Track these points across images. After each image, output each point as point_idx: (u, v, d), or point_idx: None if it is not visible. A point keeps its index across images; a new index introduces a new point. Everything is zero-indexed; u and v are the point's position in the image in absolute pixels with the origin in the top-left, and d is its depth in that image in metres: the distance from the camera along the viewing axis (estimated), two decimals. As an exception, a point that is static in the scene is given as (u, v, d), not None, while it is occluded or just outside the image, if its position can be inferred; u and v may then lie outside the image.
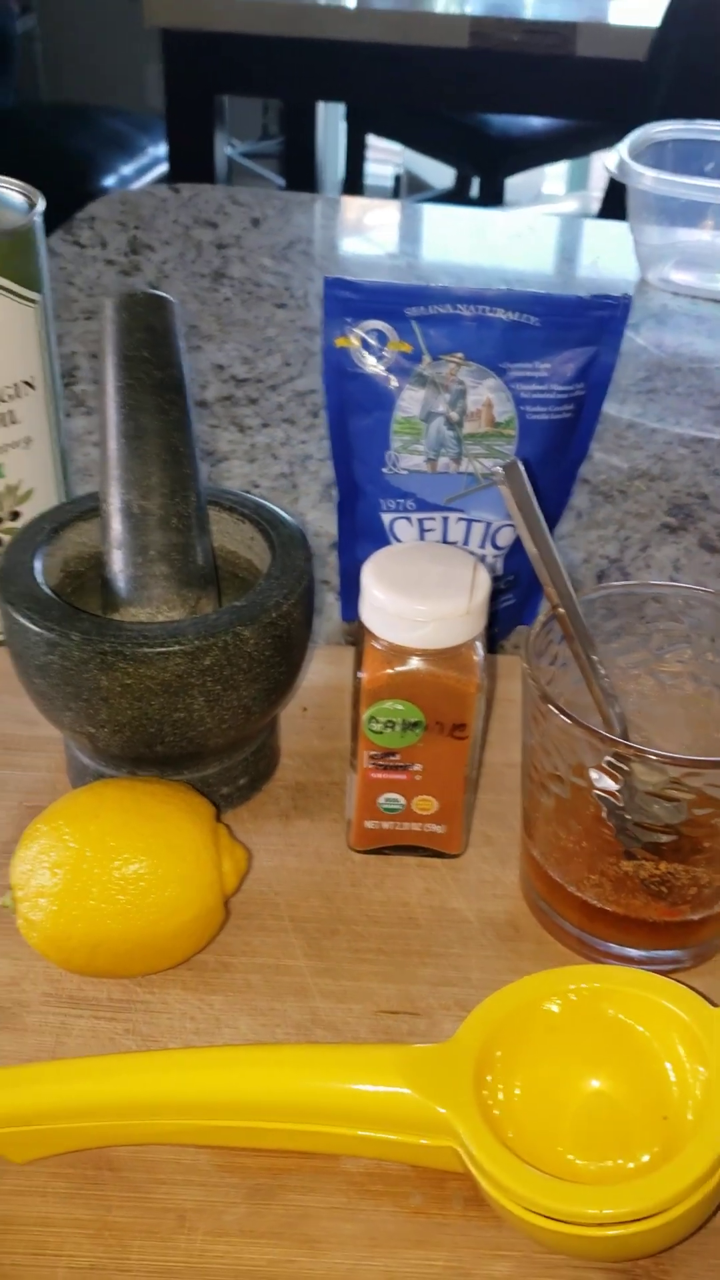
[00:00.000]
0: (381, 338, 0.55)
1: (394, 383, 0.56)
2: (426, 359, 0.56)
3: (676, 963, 0.46)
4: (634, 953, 0.46)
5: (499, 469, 0.44)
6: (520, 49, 1.99)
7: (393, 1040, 0.43)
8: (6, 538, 0.57)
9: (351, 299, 0.55)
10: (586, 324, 0.55)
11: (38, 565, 0.48)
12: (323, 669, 0.60)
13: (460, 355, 0.55)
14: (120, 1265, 0.37)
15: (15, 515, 0.57)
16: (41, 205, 0.55)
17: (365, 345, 0.56)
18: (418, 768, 0.47)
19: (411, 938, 0.47)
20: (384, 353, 0.56)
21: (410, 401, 0.56)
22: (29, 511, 0.57)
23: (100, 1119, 0.38)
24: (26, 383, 0.55)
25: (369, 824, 0.49)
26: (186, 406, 0.50)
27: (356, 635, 0.47)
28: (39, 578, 0.47)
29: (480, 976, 0.46)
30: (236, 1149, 0.39)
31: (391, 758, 0.47)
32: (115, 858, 0.42)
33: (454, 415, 0.56)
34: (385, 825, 0.49)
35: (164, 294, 0.50)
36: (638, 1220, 0.33)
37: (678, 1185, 0.33)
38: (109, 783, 0.45)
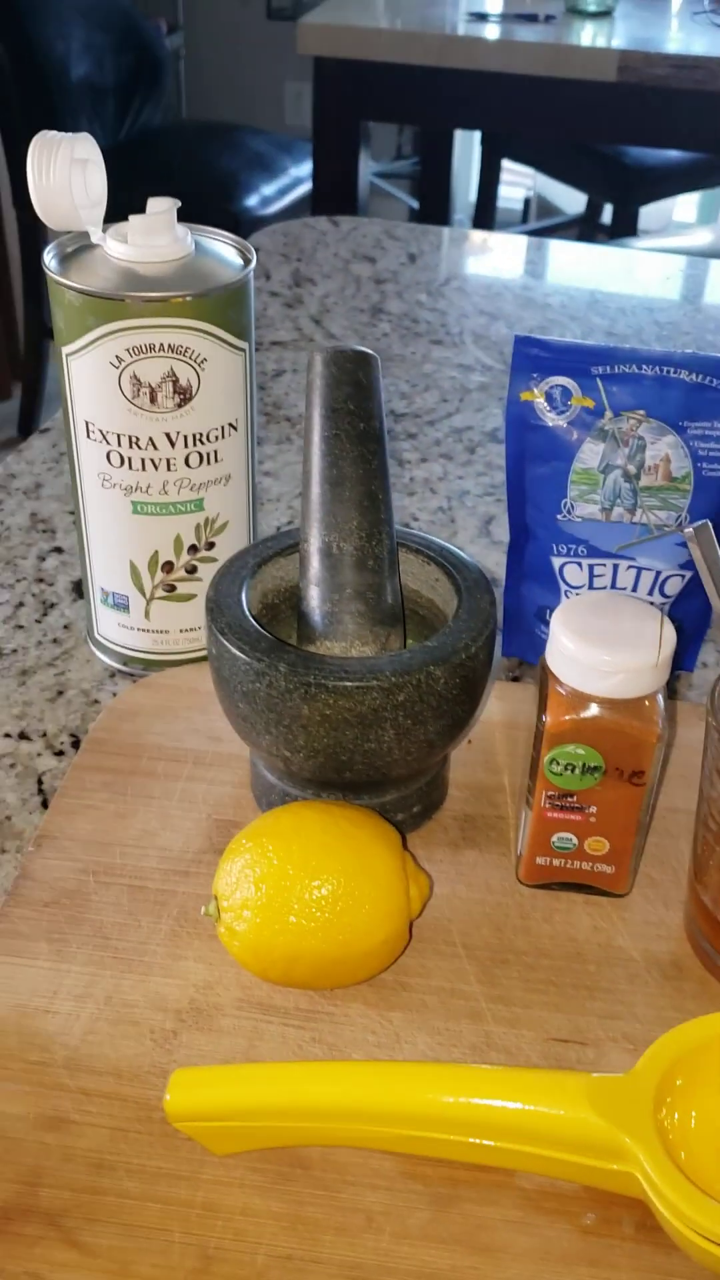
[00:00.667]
0: (565, 393, 0.58)
1: (575, 435, 0.59)
2: (608, 414, 0.58)
3: None
4: None
5: (690, 529, 0.46)
6: (666, 84, 2.00)
7: (563, 1067, 0.46)
8: (201, 565, 0.61)
9: (541, 356, 0.58)
10: (767, 388, 0.57)
11: (244, 597, 0.52)
12: (487, 704, 0.63)
13: (642, 412, 0.58)
14: (313, 1256, 0.40)
15: (211, 545, 0.61)
16: (254, 261, 0.58)
17: (549, 399, 0.58)
18: (593, 810, 0.50)
19: (579, 972, 0.49)
20: (567, 407, 0.58)
21: (589, 454, 0.59)
22: (222, 542, 0.62)
23: (294, 1120, 0.41)
24: (231, 425, 0.59)
25: (540, 860, 0.52)
26: (384, 456, 0.53)
27: (540, 680, 0.50)
28: (246, 609, 0.51)
29: (645, 1012, 0.48)
30: (418, 1156, 0.42)
31: (569, 799, 0.50)
32: (315, 876, 0.45)
33: (631, 469, 0.59)
34: (556, 862, 0.52)
35: (368, 350, 0.53)
36: None
37: None
38: (308, 804, 0.48)
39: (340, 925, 0.44)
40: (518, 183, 3.66)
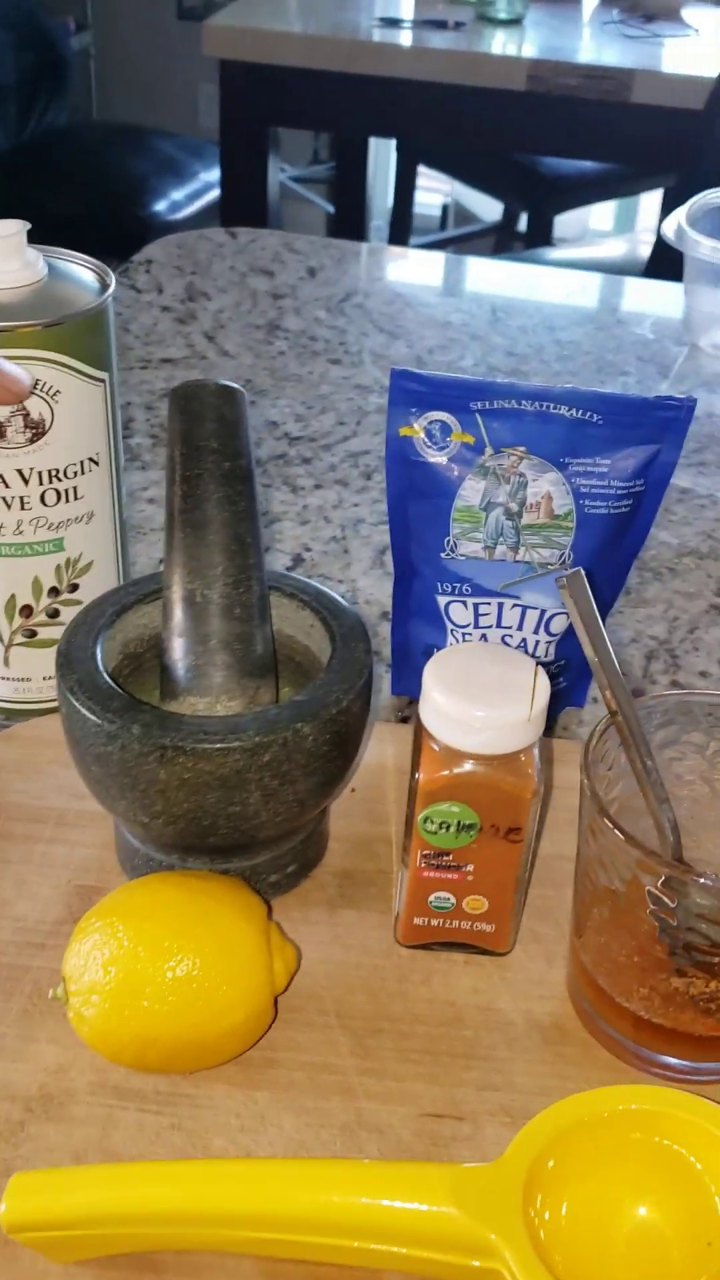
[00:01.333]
0: (445, 429, 0.56)
1: (456, 472, 0.56)
2: (489, 451, 0.56)
3: (721, 1077, 0.46)
4: (678, 1063, 0.46)
5: (563, 578, 0.44)
6: (576, 94, 2.00)
7: (438, 1145, 0.43)
8: (64, 608, 0.58)
9: (418, 391, 0.55)
10: (650, 424, 0.55)
11: (99, 650, 0.49)
12: (373, 746, 0.60)
13: (523, 449, 0.56)
14: None
15: (74, 587, 0.58)
16: (113, 286, 0.55)
17: (429, 435, 0.56)
18: (470, 868, 0.47)
19: (456, 1039, 0.47)
20: (447, 443, 0.56)
21: (471, 491, 0.57)
22: (88, 583, 0.58)
23: (145, 1227, 0.38)
24: (91, 459, 0.56)
25: (418, 920, 0.50)
26: (253, 496, 0.50)
27: (415, 735, 0.47)
28: (99, 664, 0.48)
29: (525, 1081, 0.46)
30: (280, 1259, 0.40)
31: (444, 858, 0.47)
32: (169, 958, 0.42)
33: (513, 506, 0.57)
34: (434, 922, 0.49)
35: (233, 384, 0.51)
36: None
37: (726, 1332, 0.33)
38: (163, 877, 0.46)
39: (195, 1008, 0.42)
40: (435, 189, 3.65)
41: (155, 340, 1.00)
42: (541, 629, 0.59)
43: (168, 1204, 0.38)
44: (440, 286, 1.20)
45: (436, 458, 0.56)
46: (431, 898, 0.49)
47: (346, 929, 0.51)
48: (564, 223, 3.10)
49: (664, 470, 0.57)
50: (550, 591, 0.58)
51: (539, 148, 2.41)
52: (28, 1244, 0.38)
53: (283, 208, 3.36)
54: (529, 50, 2.08)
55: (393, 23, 2.18)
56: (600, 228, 3.64)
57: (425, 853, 0.47)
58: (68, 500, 0.56)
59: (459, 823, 0.46)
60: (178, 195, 2.48)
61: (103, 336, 0.54)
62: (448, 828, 0.46)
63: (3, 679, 0.59)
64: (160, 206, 2.42)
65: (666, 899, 0.42)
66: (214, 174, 2.56)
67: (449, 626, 0.60)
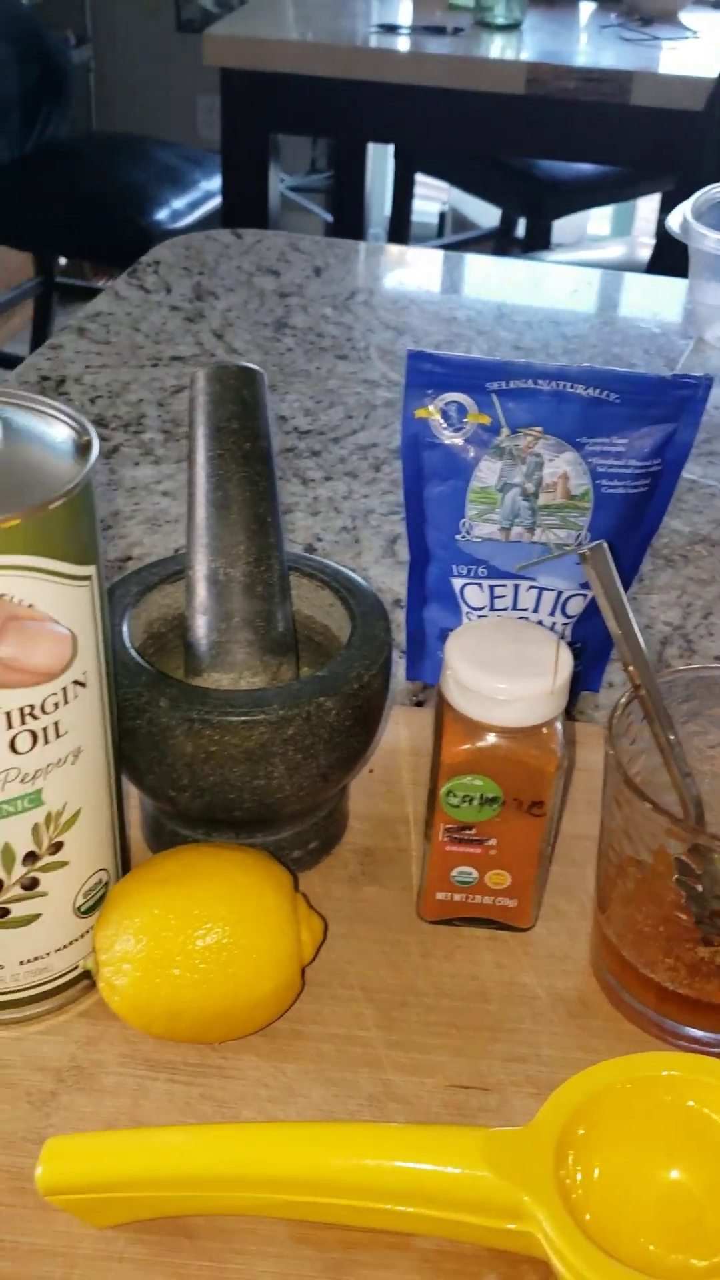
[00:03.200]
0: (461, 410, 0.56)
1: (472, 453, 0.57)
2: (505, 431, 0.56)
3: (746, 1046, 0.46)
4: (704, 1035, 0.46)
5: (585, 550, 0.45)
6: (574, 96, 2.01)
7: (464, 1116, 0.44)
8: (44, 875, 0.43)
9: (434, 372, 0.56)
10: (667, 403, 0.55)
11: (125, 628, 0.49)
12: (390, 729, 0.61)
13: (539, 429, 0.56)
14: (198, 1337, 0.37)
15: (57, 846, 0.42)
16: (96, 451, 0.39)
17: (445, 416, 0.57)
18: (492, 842, 0.48)
19: (481, 1012, 0.47)
20: (463, 424, 0.56)
21: (487, 472, 0.57)
22: (74, 838, 0.43)
23: (178, 1190, 0.39)
24: (77, 682, 0.40)
25: (440, 895, 0.50)
26: (272, 477, 0.51)
27: (437, 709, 0.48)
28: (126, 642, 0.48)
29: (550, 1054, 0.46)
30: (311, 1222, 0.40)
31: (467, 831, 0.48)
32: (199, 926, 0.42)
33: (530, 487, 0.57)
34: (456, 897, 0.50)
35: (254, 367, 0.51)
36: (721, 1319, 0.34)
37: (761, 1285, 0.34)
38: (192, 848, 0.46)
39: (225, 976, 0.42)
40: (433, 197, 3.66)
41: (165, 339, 1.01)
42: (558, 611, 0.60)
43: (201, 1167, 0.38)
44: (445, 284, 1.20)
45: (452, 439, 0.57)
46: (454, 872, 0.49)
47: (369, 904, 0.52)
48: (561, 228, 3.11)
49: (681, 450, 0.57)
50: (566, 573, 0.58)
51: (537, 151, 2.42)
52: (64, 1207, 0.39)
53: (283, 217, 3.37)
54: (527, 54, 2.09)
55: (391, 29, 2.19)
56: (598, 232, 3.65)
57: (448, 827, 0.48)
58: (46, 741, 0.40)
59: (482, 796, 0.47)
60: (178, 204, 2.49)
61: (87, 520, 0.39)
62: (470, 801, 0.47)
63: None
64: (161, 215, 2.43)
65: (693, 865, 0.42)
66: (214, 183, 2.57)
67: (464, 610, 0.60)
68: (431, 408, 0.57)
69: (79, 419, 0.40)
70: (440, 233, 3.72)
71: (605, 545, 0.45)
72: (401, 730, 0.61)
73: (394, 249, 1.29)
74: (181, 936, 0.42)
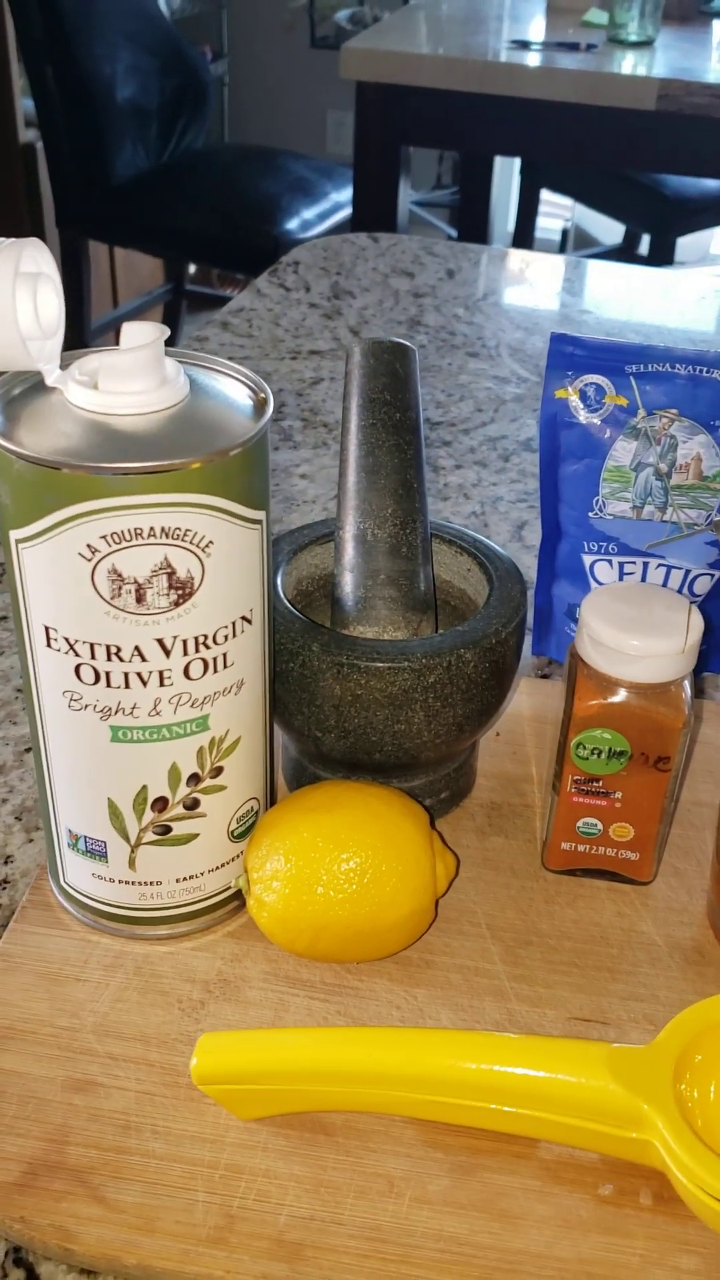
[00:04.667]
0: (600, 391, 0.59)
1: (608, 433, 0.59)
2: (641, 413, 0.59)
3: None
4: None
5: (718, 518, 0.47)
6: (706, 112, 2.01)
7: (585, 1045, 0.46)
8: (205, 797, 0.46)
9: (575, 354, 0.59)
10: None
11: (279, 581, 0.53)
12: (515, 699, 0.63)
13: (674, 411, 0.59)
14: (334, 1218, 0.40)
15: (218, 770, 0.46)
16: (270, 402, 0.43)
17: (583, 397, 0.59)
18: (618, 795, 0.50)
19: (602, 955, 0.50)
20: (600, 405, 0.59)
21: (622, 452, 0.60)
22: (233, 764, 0.47)
23: (318, 1084, 0.42)
24: (245, 618, 0.44)
25: (565, 845, 0.52)
26: (420, 447, 0.54)
27: (569, 666, 0.50)
28: (281, 592, 0.52)
29: (667, 995, 0.48)
30: (439, 1126, 0.43)
31: (594, 784, 0.50)
32: (344, 850, 0.45)
33: (663, 467, 0.59)
34: (581, 848, 0.52)
35: (406, 343, 0.54)
36: None
37: None
38: (337, 783, 0.49)
39: (367, 898, 0.45)
40: (556, 214, 3.68)
41: (304, 334, 1.05)
42: (685, 589, 0.62)
43: (340, 1062, 0.41)
44: (572, 289, 1.23)
45: (590, 419, 0.60)
46: (580, 823, 0.51)
47: (496, 853, 0.54)
48: (685, 246, 3.11)
49: None
50: (695, 552, 0.61)
51: (667, 167, 2.42)
52: (214, 1096, 0.42)
53: (408, 231, 3.42)
54: (659, 70, 2.10)
55: (523, 45, 2.22)
56: (721, 252, 3.64)
57: (576, 778, 0.50)
58: (215, 670, 0.44)
59: (610, 749, 0.49)
60: (308, 214, 2.55)
61: (260, 469, 0.43)
62: (599, 754, 0.49)
63: (126, 882, 0.48)
64: (292, 225, 2.49)
65: None
66: (344, 194, 2.63)
67: (594, 586, 0.63)
68: (570, 388, 0.60)
69: (257, 380, 0.44)
70: (563, 249, 3.73)
71: (739, 514, 0.48)
72: (526, 699, 0.64)
73: (522, 254, 1.32)
74: (327, 858, 0.45)
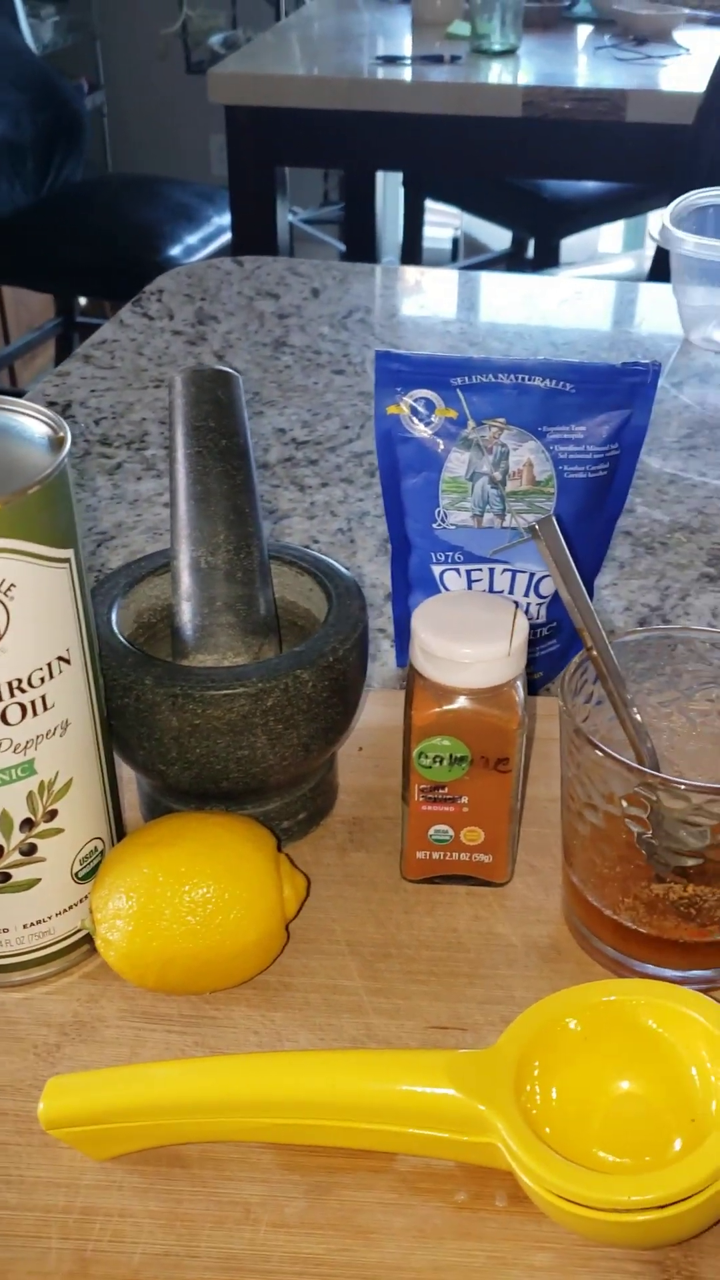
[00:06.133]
0: (429, 405, 0.60)
1: (441, 446, 0.60)
2: (471, 424, 0.60)
3: (710, 982, 0.49)
4: (669, 973, 0.48)
5: (534, 524, 0.48)
6: (571, 116, 2.05)
7: (441, 1053, 0.47)
8: (42, 841, 0.46)
9: (401, 370, 0.59)
10: (619, 390, 0.59)
11: (114, 617, 0.53)
12: (379, 711, 0.64)
13: (502, 420, 0.59)
14: (190, 1251, 0.40)
15: (52, 814, 0.46)
16: (69, 443, 0.42)
17: (414, 412, 0.60)
18: (465, 800, 0.51)
19: (460, 960, 0.50)
20: (432, 419, 0.60)
21: (457, 463, 0.60)
22: (68, 806, 0.47)
23: (170, 1117, 0.42)
24: (61, 659, 0.44)
25: (420, 854, 0.53)
26: (249, 471, 0.54)
27: (408, 678, 0.51)
28: (115, 628, 0.52)
29: (524, 995, 0.49)
30: (297, 1148, 0.43)
31: (440, 791, 0.51)
32: (185, 883, 0.46)
33: (497, 475, 0.60)
34: (435, 855, 0.53)
35: (229, 369, 0.55)
36: (665, 1206, 0.36)
37: (701, 1173, 0.36)
38: (178, 815, 0.49)
39: (211, 927, 0.45)
40: (445, 224, 3.72)
41: (168, 361, 1.05)
42: (532, 591, 0.63)
43: (190, 1093, 0.41)
44: (438, 300, 1.24)
45: (423, 433, 0.60)
46: (431, 831, 0.52)
47: (356, 869, 0.55)
48: (572, 247, 3.16)
49: (636, 434, 0.61)
50: (538, 556, 0.62)
51: (539, 171, 2.46)
52: (66, 1140, 0.42)
53: (296, 249, 3.43)
54: (524, 78, 2.14)
55: (392, 60, 2.24)
56: (610, 250, 3.70)
57: (422, 787, 0.51)
58: (36, 713, 0.44)
59: (451, 756, 0.50)
60: (192, 240, 2.55)
61: (63, 506, 0.42)
62: (441, 761, 0.50)
63: None
64: (175, 251, 2.49)
65: (640, 808, 0.45)
66: (227, 218, 2.63)
67: (445, 595, 0.64)
68: (401, 404, 0.60)
69: (53, 417, 0.43)
70: (454, 257, 3.77)
71: (553, 517, 0.48)
72: (389, 711, 0.64)
73: (389, 269, 1.34)
74: (170, 892, 0.45)
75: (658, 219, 1.08)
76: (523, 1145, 0.38)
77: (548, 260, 2.82)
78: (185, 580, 0.53)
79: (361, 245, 2.93)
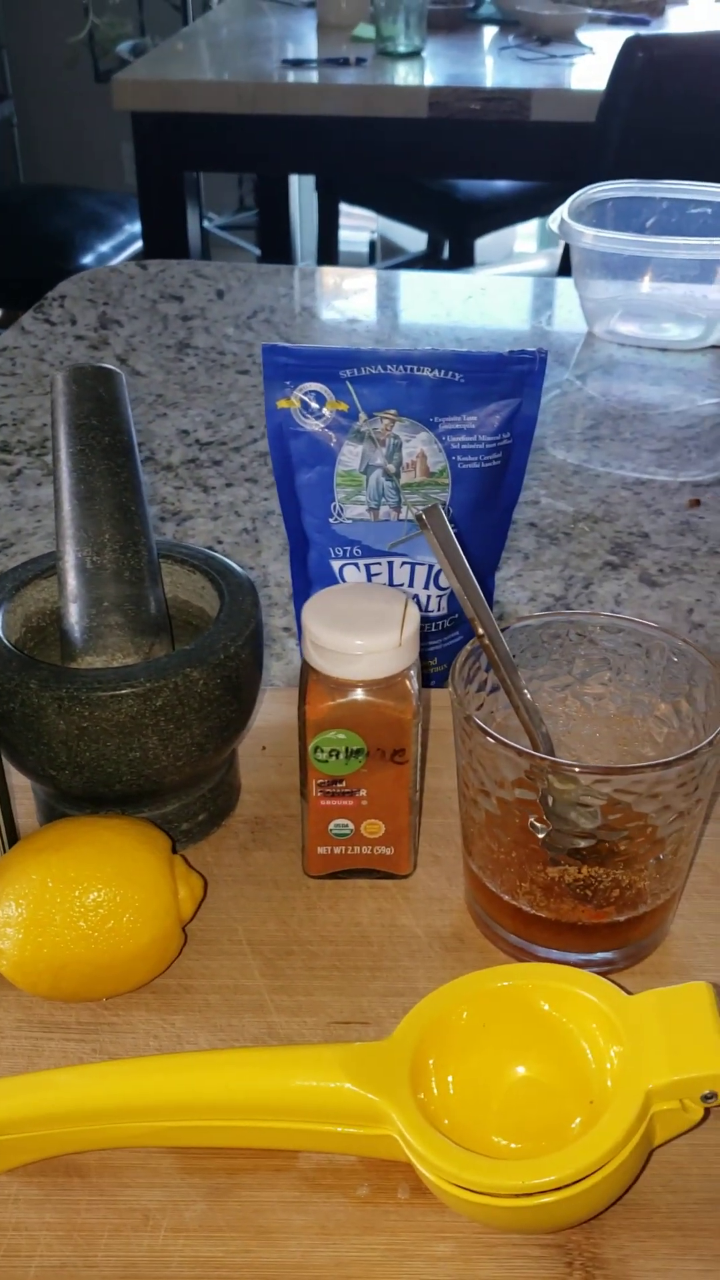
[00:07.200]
0: (320, 398, 0.59)
1: (334, 439, 0.60)
2: (362, 416, 0.60)
3: (610, 964, 0.49)
4: (572, 957, 0.48)
5: (420, 513, 0.48)
6: (478, 116, 2.06)
7: (344, 1048, 0.46)
8: None
9: (289, 363, 0.59)
10: (507, 378, 0.59)
11: None
12: (281, 709, 0.63)
13: (393, 412, 0.59)
14: (87, 1262, 0.40)
15: None
16: None
17: (305, 406, 0.60)
18: (363, 793, 0.51)
19: (363, 954, 0.50)
20: (323, 412, 0.60)
21: (350, 456, 0.60)
22: None
23: (67, 1125, 0.41)
24: None
25: (321, 850, 0.52)
26: (135, 468, 0.54)
27: (301, 673, 0.50)
28: (0, 633, 0.51)
29: (427, 985, 0.48)
30: (198, 1151, 0.42)
31: (338, 784, 0.50)
32: (75, 888, 0.45)
33: (391, 467, 0.60)
34: (337, 850, 0.52)
35: (110, 366, 0.54)
36: (560, 1188, 0.36)
37: (595, 1154, 0.36)
38: (68, 820, 0.48)
39: (103, 931, 0.44)
40: (362, 227, 3.73)
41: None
42: (431, 584, 0.63)
43: (86, 1100, 0.40)
44: (344, 299, 1.24)
45: (314, 426, 0.60)
46: (331, 825, 0.52)
47: (259, 868, 0.54)
48: (486, 247, 3.18)
49: (527, 423, 0.61)
50: (435, 546, 0.62)
51: (448, 171, 2.48)
52: (-45, 1155, 0.41)
53: (214, 255, 3.42)
54: (430, 79, 2.15)
55: (297, 64, 2.24)
56: (525, 250, 3.73)
57: (320, 782, 0.50)
58: None
59: (347, 749, 0.49)
60: (103, 248, 2.53)
61: None
62: (337, 755, 0.50)
63: None
64: (88, 260, 2.47)
65: (530, 791, 0.45)
66: (139, 225, 2.61)
67: (345, 590, 0.63)
68: (292, 398, 0.60)
69: None
70: (371, 260, 3.78)
71: (439, 506, 0.48)
72: (295, 710, 0.64)
73: (293, 269, 1.33)
74: (60, 897, 0.45)
75: (559, 215, 1.08)
76: (417, 1135, 0.38)
77: (463, 261, 2.83)
78: (71, 581, 0.52)
79: (277, 250, 2.93)
